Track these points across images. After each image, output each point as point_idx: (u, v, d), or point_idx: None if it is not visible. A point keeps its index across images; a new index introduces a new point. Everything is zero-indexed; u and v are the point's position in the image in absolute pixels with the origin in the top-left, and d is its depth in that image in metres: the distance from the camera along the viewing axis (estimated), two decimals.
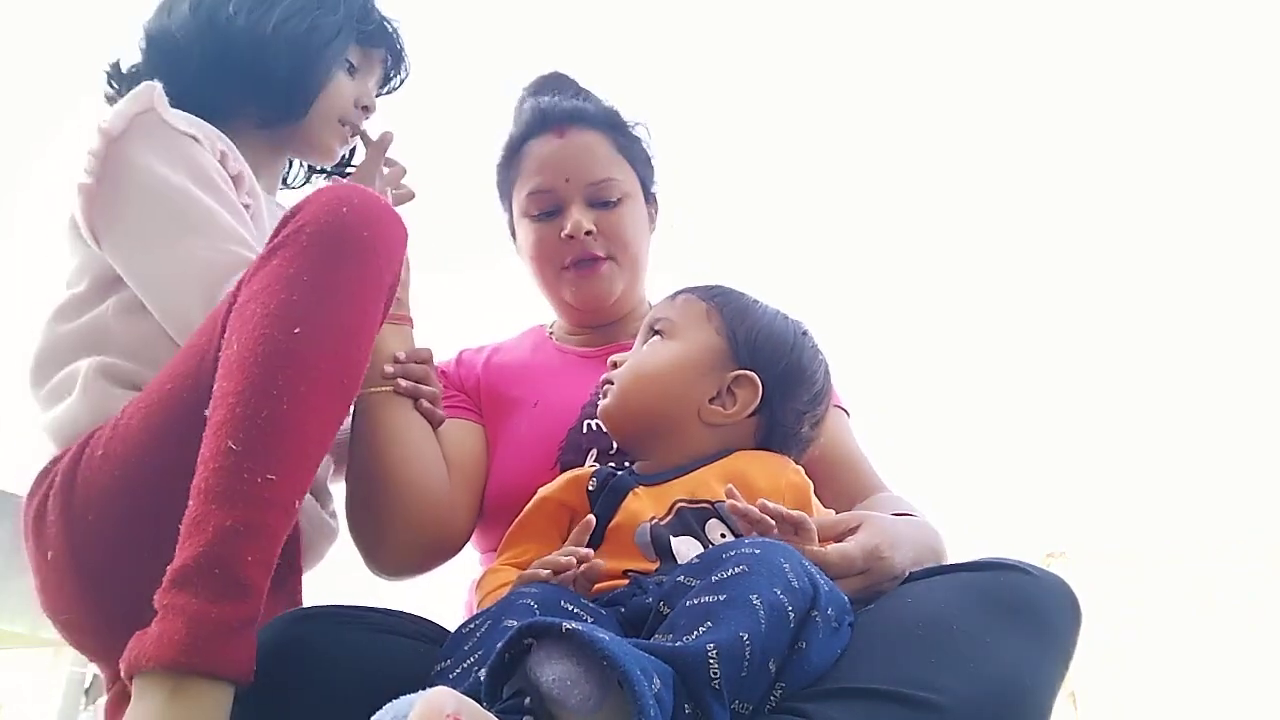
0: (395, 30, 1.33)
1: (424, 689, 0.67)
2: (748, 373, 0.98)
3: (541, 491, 0.97)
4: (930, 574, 0.82)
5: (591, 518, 0.88)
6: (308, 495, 1.05)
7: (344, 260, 0.84)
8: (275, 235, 0.87)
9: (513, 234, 1.34)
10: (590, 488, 0.94)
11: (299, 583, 1.06)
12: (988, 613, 0.74)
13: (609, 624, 0.73)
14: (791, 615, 0.68)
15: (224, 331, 0.84)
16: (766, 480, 0.93)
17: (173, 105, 1.10)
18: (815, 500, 0.95)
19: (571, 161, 1.23)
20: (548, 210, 1.23)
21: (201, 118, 1.13)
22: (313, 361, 0.80)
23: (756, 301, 1.04)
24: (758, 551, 0.71)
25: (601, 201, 1.23)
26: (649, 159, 1.32)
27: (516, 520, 0.97)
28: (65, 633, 0.98)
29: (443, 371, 1.27)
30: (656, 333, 1.01)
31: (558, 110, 1.26)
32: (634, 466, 0.98)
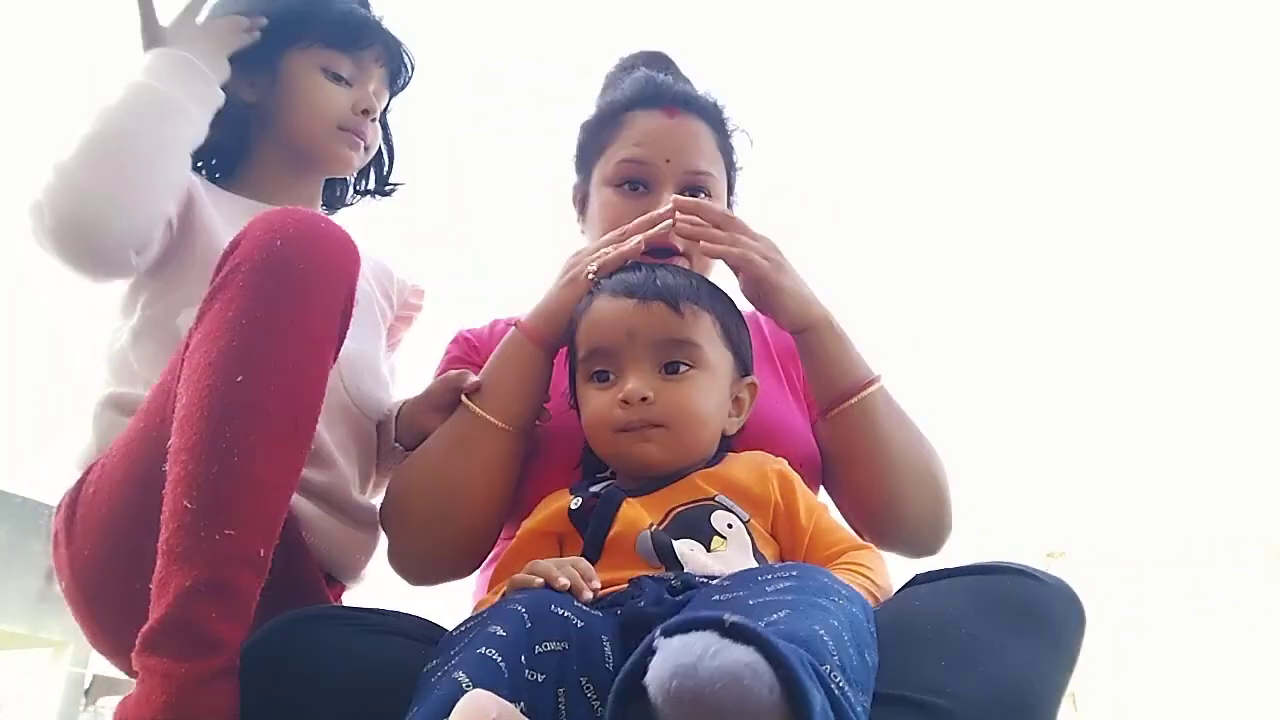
0: (377, 24, 1.27)
1: (414, 691, 0.67)
2: (751, 379, 1.00)
3: (525, 525, 0.95)
4: (936, 577, 0.82)
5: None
6: (330, 519, 1.06)
7: (282, 297, 0.82)
8: (217, 272, 0.85)
9: (578, 201, 1.29)
10: (572, 507, 0.92)
11: (327, 598, 1.06)
12: (995, 617, 0.74)
13: (605, 627, 0.72)
14: (862, 618, 0.67)
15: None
16: (753, 476, 0.92)
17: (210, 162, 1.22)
18: (802, 485, 0.95)
19: (677, 144, 1.18)
20: (636, 183, 1.18)
21: (229, 162, 1.24)
22: (260, 408, 0.78)
23: (718, 289, 1.03)
24: (795, 572, 0.70)
25: (693, 191, 1.18)
26: (737, 167, 1.28)
27: (502, 557, 0.94)
28: (98, 651, 1.01)
29: (470, 342, 1.23)
30: (684, 361, 0.93)
31: (672, 90, 1.21)
32: (618, 480, 0.95)
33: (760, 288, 1.02)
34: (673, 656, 0.52)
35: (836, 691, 0.56)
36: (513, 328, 1.06)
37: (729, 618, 0.53)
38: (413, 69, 1.33)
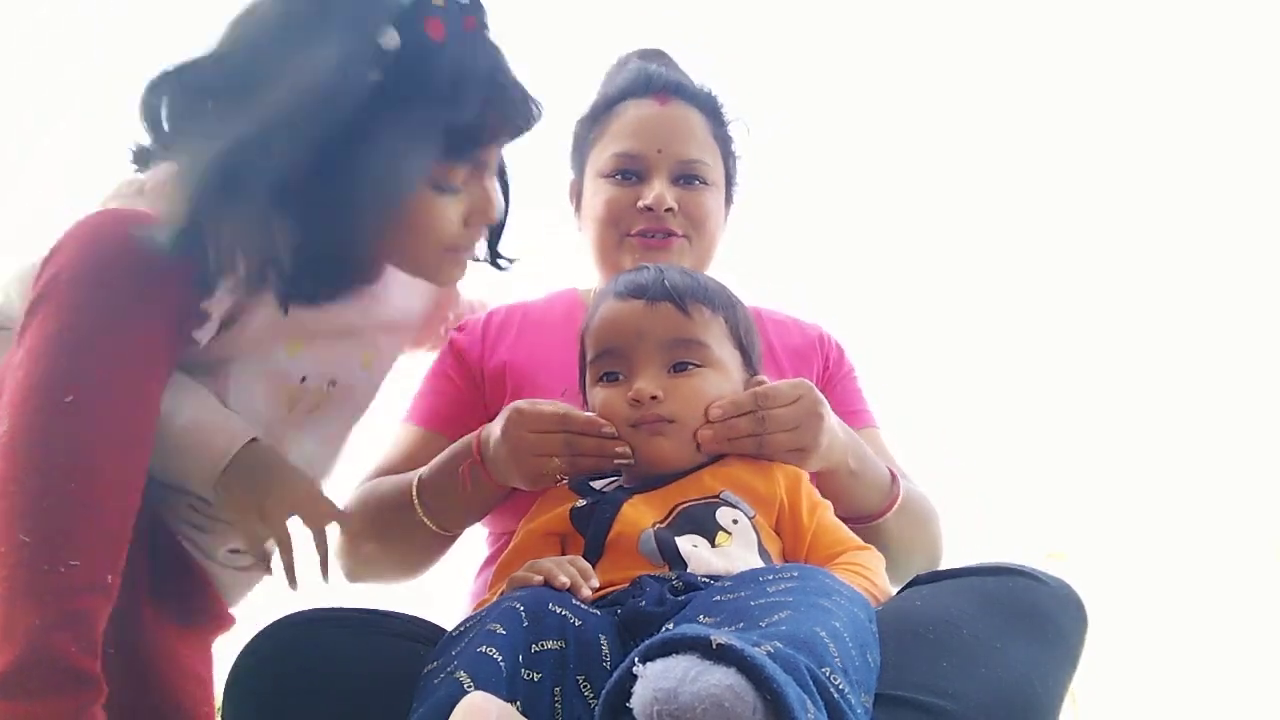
0: (506, 85, 0.93)
1: (415, 692, 0.67)
2: (759, 379, 1.00)
3: (526, 525, 0.94)
4: (938, 578, 0.82)
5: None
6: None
7: (109, 304, 0.75)
8: (36, 282, 0.78)
9: (573, 198, 1.27)
10: (576, 506, 0.91)
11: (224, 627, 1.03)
12: (997, 618, 0.74)
13: (604, 626, 0.72)
14: (863, 618, 0.67)
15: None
16: (759, 473, 0.92)
17: None
18: (810, 486, 0.95)
19: (668, 132, 1.17)
20: (629, 173, 1.17)
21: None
22: (93, 428, 0.73)
23: (729, 291, 1.02)
24: (796, 573, 0.70)
25: (687, 179, 1.17)
26: (736, 156, 1.26)
27: (504, 557, 0.93)
28: None
29: (458, 346, 1.20)
30: (692, 360, 0.93)
31: (663, 78, 1.20)
32: (623, 479, 0.95)
33: (790, 460, 0.96)
34: (654, 681, 0.52)
35: (836, 694, 0.56)
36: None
37: (715, 639, 0.53)
38: (536, 117, 1.00)
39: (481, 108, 0.89)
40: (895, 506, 1.06)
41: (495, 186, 1.00)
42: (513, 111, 0.94)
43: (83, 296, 0.75)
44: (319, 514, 0.92)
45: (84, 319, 0.75)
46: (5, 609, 0.71)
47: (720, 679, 0.51)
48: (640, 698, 0.52)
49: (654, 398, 0.91)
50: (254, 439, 0.89)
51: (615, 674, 0.56)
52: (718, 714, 0.50)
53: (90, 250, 0.77)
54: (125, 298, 0.77)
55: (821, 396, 0.96)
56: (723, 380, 0.95)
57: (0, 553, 0.72)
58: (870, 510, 1.05)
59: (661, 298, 0.94)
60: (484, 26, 0.89)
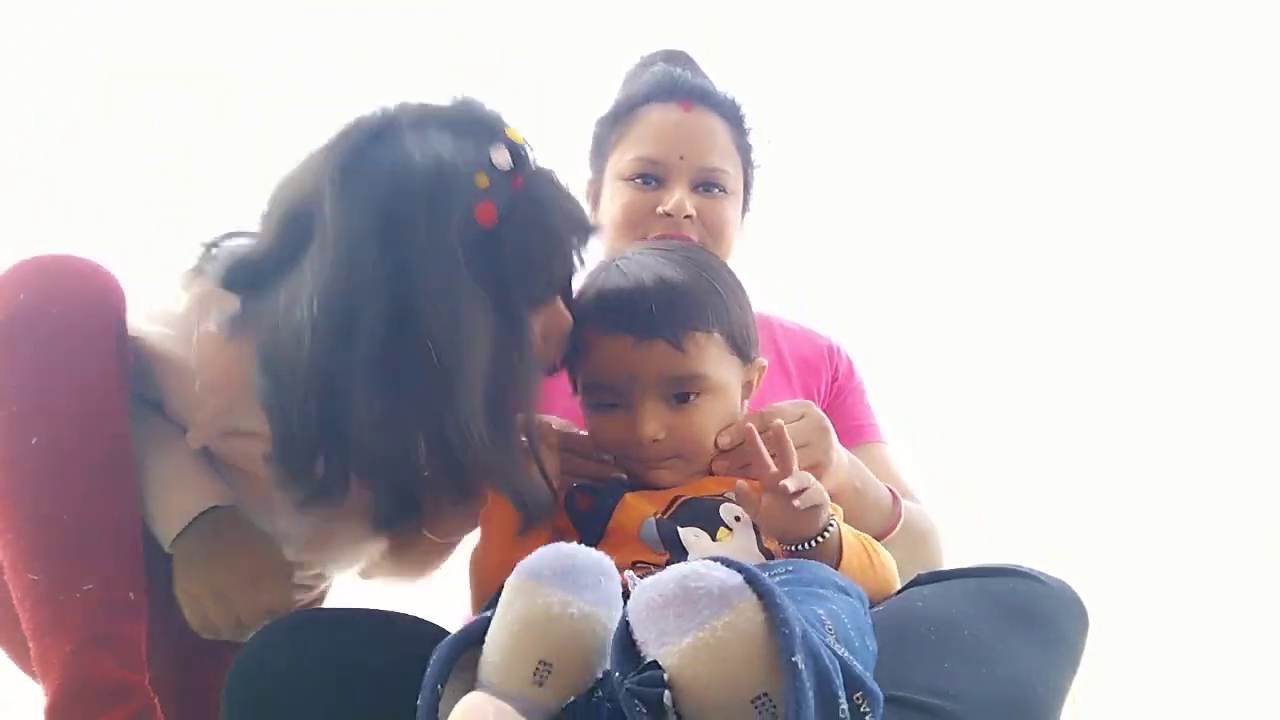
0: (566, 232, 0.85)
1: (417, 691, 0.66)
2: (760, 363, 0.98)
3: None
4: (939, 578, 0.82)
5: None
6: None
7: (46, 350, 0.76)
8: None
9: (591, 196, 1.26)
10: (571, 496, 0.90)
11: None
12: (999, 619, 0.74)
13: None
14: (860, 608, 0.68)
15: None
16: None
17: None
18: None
19: (692, 139, 1.17)
20: (649, 178, 1.17)
21: None
22: (69, 462, 0.75)
23: (714, 279, 0.96)
24: (791, 567, 0.70)
25: (707, 187, 1.17)
26: (755, 165, 1.26)
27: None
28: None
29: None
30: (693, 391, 0.90)
31: (689, 84, 1.20)
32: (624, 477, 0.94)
33: None
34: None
35: (841, 654, 0.58)
36: None
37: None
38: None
39: (550, 266, 0.83)
40: (898, 528, 1.06)
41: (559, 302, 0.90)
42: (579, 248, 0.87)
43: (20, 345, 0.76)
44: (281, 596, 0.88)
45: (27, 364, 0.76)
46: (38, 646, 0.73)
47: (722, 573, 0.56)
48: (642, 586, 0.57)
49: (656, 440, 0.89)
50: (217, 506, 0.86)
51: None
52: (703, 569, 0.56)
53: (14, 299, 0.77)
54: (59, 336, 0.77)
55: (823, 413, 0.96)
56: (724, 403, 0.93)
57: (17, 598, 0.74)
58: (874, 532, 1.03)
59: (652, 334, 0.88)
60: (532, 176, 0.81)
